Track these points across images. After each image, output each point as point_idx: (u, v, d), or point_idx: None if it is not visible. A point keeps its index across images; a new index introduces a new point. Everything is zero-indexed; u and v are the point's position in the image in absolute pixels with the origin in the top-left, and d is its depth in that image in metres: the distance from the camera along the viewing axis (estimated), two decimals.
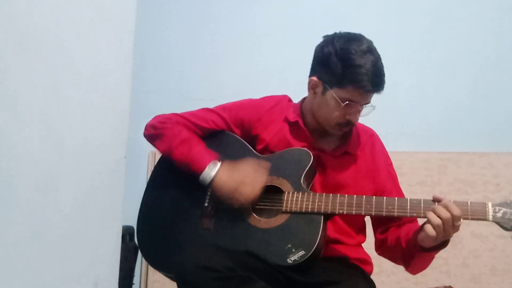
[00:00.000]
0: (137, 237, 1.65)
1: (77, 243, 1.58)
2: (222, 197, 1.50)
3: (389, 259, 1.63)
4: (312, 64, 1.62)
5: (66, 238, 1.51)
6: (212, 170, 1.51)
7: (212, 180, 1.50)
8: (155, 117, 1.71)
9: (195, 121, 1.67)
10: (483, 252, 2.58)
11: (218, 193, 1.51)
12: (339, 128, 1.59)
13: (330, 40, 1.55)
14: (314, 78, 1.58)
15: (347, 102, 1.51)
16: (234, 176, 1.49)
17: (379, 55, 1.52)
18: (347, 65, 1.49)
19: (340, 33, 1.57)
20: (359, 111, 1.56)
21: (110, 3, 1.73)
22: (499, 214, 1.36)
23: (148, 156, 2.88)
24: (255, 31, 2.99)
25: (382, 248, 1.61)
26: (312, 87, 1.60)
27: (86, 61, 1.59)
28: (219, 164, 1.52)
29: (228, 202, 1.49)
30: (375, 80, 1.49)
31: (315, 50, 1.60)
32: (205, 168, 1.51)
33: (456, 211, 1.34)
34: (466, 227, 2.52)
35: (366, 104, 1.55)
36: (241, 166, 1.52)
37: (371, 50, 1.51)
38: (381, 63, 1.52)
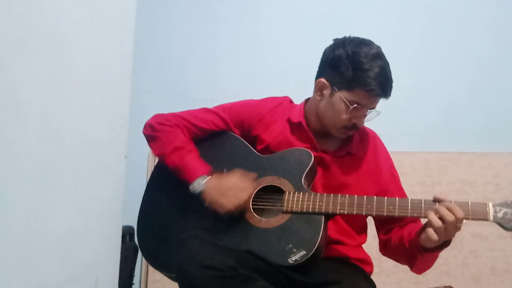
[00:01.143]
0: (138, 238, 1.65)
1: (77, 243, 1.58)
2: (211, 207, 1.52)
3: (393, 259, 1.63)
4: (320, 66, 1.62)
5: (66, 238, 1.51)
6: (200, 184, 1.52)
7: (201, 192, 1.52)
8: (154, 116, 1.70)
9: (195, 122, 1.67)
10: (483, 252, 2.58)
11: (207, 204, 1.52)
12: (344, 131, 1.59)
13: (340, 43, 1.56)
14: (323, 80, 1.58)
15: (355, 105, 1.51)
16: (221, 190, 1.50)
17: (387, 61, 1.53)
18: (357, 68, 1.50)
19: (350, 37, 1.57)
20: (365, 115, 1.56)
21: (110, 3, 1.73)
22: (499, 215, 1.36)
23: (148, 156, 2.88)
24: (255, 31, 2.99)
25: (386, 248, 1.61)
26: (319, 88, 1.59)
27: (86, 61, 1.59)
28: (207, 178, 1.53)
29: (217, 210, 1.51)
30: (383, 85, 1.50)
31: (324, 52, 1.61)
32: (194, 180, 1.53)
33: (460, 214, 1.34)
34: (466, 227, 2.50)
35: (372, 109, 1.55)
36: (228, 179, 1.53)
37: (380, 55, 1.52)
38: (389, 69, 1.53)
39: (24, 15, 1.28)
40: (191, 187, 1.52)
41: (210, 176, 1.53)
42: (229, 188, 1.49)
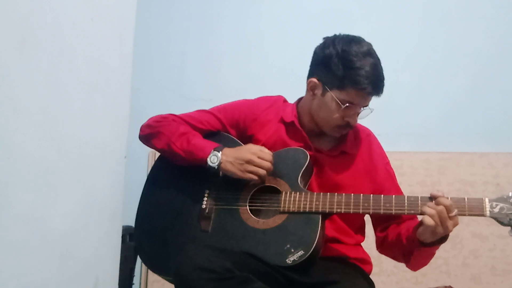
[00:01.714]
0: (135, 241, 1.65)
1: (77, 243, 1.58)
2: (234, 175, 1.51)
3: (390, 256, 1.63)
4: (311, 65, 1.61)
5: (66, 238, 1.51)
6: (217, 156, 1.51)
7: (219, 165, 1.51)
8: (150, 118, 1.70)
9: (191, 122, 1.67)
10: (483, 252, 2.57)
11: (229, 173, 1.51)
12: (338, 130, 1.59)
13: (331, 42, 1.55)
14: (314, 80, 1.57)
15: (347, 104, 1.51)
16: (240, 155, 1.51)
17: (378, 58, 1.53)
18: (348, 67, 1.49)
19: (340, 35, 1.57)
20: (358, 114, 1.56)
21: (110, 3, 1.73)
22: (496, 210, 1.35)
23: (148, 156, 2.88)
24: (255, 31, 2.99)
25: (383, 246, 1.61)
26: (311, 88, 1.59)
27: (86, 61, 1.59)
28: (222, 150, 1.53)
29: (241, 177, 1.50)
30: (375, 82, 1.50)
31: (315, 51, 1.60)
32: (209, 154, 1.52)
33: (446, 201, 1.35)
34: (466, 227, 2.52)
35: (365, 106, 1.55)
36: (246, 148, 1.54)
37: (371, 52, 1.52)
38: (381, 66, 1.52)
39: (24, 15, 1.28)
40: (208, 161, 1.51)
41: (223, 148, 1.53)
42: (249, 157, 1.49)
